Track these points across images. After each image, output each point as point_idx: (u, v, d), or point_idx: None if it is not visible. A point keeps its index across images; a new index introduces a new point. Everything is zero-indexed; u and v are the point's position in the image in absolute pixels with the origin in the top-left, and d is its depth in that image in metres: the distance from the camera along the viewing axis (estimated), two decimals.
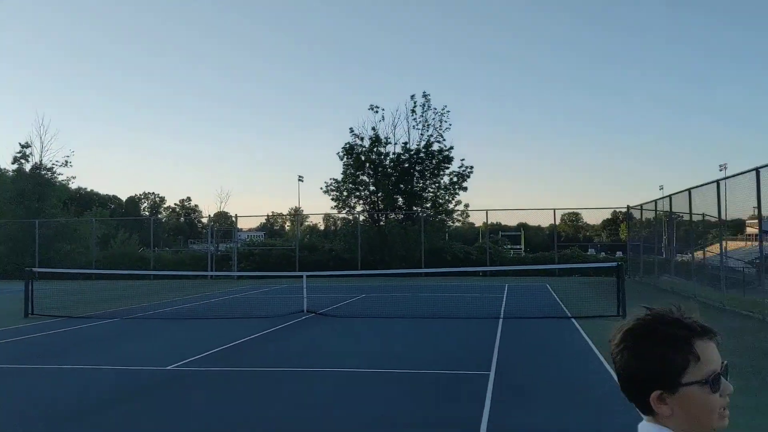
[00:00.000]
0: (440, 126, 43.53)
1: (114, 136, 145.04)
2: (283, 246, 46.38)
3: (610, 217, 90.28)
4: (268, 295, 25.90)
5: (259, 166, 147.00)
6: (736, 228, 27.45)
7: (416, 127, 43.72)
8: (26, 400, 8.56)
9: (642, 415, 1.52)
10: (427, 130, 43.57)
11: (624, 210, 38.05)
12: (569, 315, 16.89)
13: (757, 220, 24.33)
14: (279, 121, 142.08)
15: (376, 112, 43.61)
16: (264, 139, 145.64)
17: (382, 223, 43.25)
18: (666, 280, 26.38)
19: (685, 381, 1.43)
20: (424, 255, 38.04)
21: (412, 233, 40.19)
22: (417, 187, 43.55)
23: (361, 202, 44.18)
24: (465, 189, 43.82)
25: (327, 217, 55.95)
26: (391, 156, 43.58)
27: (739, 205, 18.71)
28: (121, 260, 41.24)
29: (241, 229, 51.94)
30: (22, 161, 46.22)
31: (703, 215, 23.25)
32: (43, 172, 45.96)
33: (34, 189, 44.41)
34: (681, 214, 25.72)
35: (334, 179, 44.21)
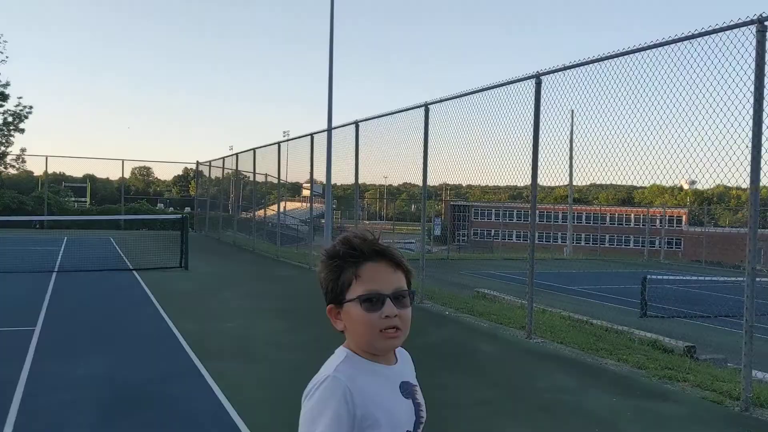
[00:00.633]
0: None
1: None
2: None
3: (181, 173, 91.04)
4: None
5: None
6: (295, 190, 30.17)
7: None
8: None
9: None
10: None
11: (194, 166, 38.56)
12: (131, 267, 16.37)
13: (311, 184, 27.06)
14: None
15: None
16: None
17: None
18: (230, 235, 27.62)
19: (347, 298, 1.54)
20: None
21: None
22: None
23: None
24: (22, 131, 38.81)
25: None
26: None
27: (298, 169, 20.56)
28: None
29: None
30: None
31: (266, 176, 24.91)
32: None
33: None
34: (247, 174, 27.12)
35: None
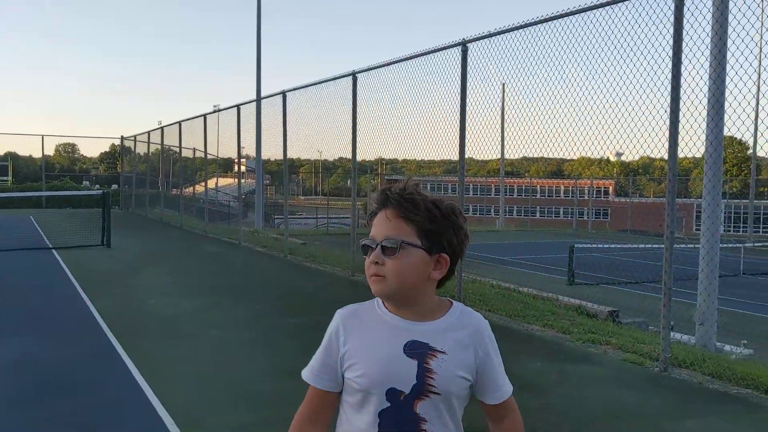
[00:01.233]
0: None
1: None
2: None
3: (108, 150, 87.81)
4: None
5: None
6: (227, 166, 29.48)
7: None
8: None
9: None
10: None
11: (120, 143, 37.20)
12: (50, 246, 15.65)
13: (244, 159, 26.53)
14: None
15: None
16: None
17: None
18: (158, 212, 26.84)
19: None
20: None
21: None
22: None
23: None
24: None
25: None
26: None
27: (231, 144, 20.04)
28: None
29: None
30: None
31: (194, 150, 24.20)
32: None
33: None
34: (175, 151, 26.27)
35: None
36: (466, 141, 8.99)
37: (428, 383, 1.49)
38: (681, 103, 6.18)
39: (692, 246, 13.95)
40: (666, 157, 6.39)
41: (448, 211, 1.52)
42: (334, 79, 12.00)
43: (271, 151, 18.39)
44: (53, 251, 14.73)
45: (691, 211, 36.18)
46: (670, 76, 6.19)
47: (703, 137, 7.41)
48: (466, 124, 8.94)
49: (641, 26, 6.74)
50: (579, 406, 5.20)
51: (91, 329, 7.55)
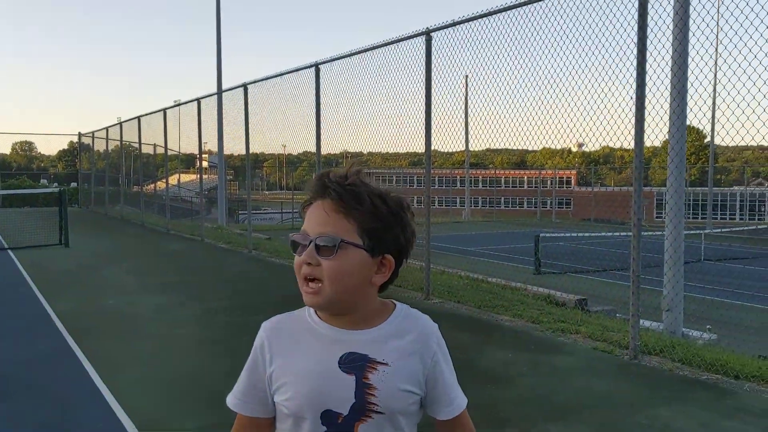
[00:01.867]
0: None
1: None
2: None
3: (67, 147, 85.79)
4: None
5: None
6: (190, 162, 28.99)
7: None
8: None
9: None
10: None
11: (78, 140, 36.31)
12: (5, 246, 15.15)
13: (206, 155, 26.11)
14: None
15: None
16: None
17: None
18: (118, 210, 26.27)
19: None
20: None
21: None
22: None
23: None
24: None
25: None
26: None
27: (192, 140, 19.66)
28: None
29: None
30: None
31: (154, 146, 23.72)
32: None
33: None
34: (135, 147, 25.69)
35: None
36: (432, 133, 8.89)
37: (369, 401, 1.28)
38: (646, 90, 6.15)
39: (657, 234, 14.11)
40: (628, 146, 6.38)
41: (396, 205, 1.32)
42: (297, 70, 11.78)
43: (234, 146, 18.09)
44: (9, 252, 14.26)
45: (653, 199, 36.77)
46: (633, 66, 6.16)
47: (665, 128, 7.46)
48: (432, 116, 8.82)
49: (602, 18, 6.69)
50: (551, 396, 5.14)
51: (47, 330, 7.26)
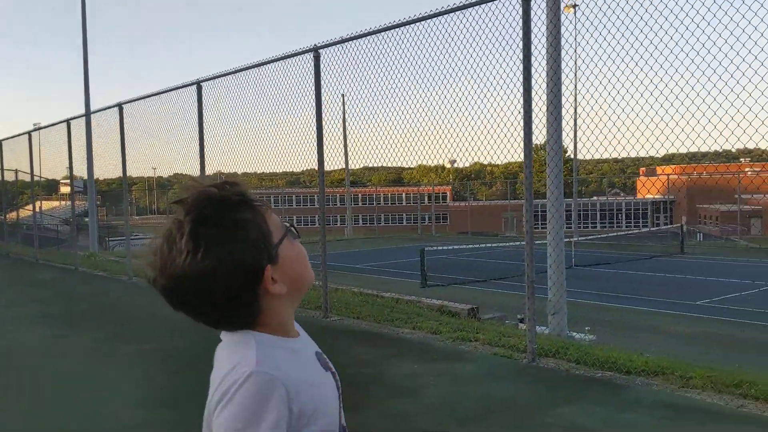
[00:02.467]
0: None
1: None
2: None
3: None
4: None
5: None
6: (51, 188, 27.30)
7: None
8: None
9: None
10: None
11: None
12: None
13: (70, 180, 24.59)
14: None
15: None
16: None
17: None
18: None
19: (276, 240, 1.27)
20: None
21: None
22: None
23: None
24: None
25: None
26: None
27: (54, 166, 18.51)
28: None
29: None
30: None
31: (16, 171, 22.14)
32: None
33: None
34: None
35: None
36: (312, 151, 8.94)
37: (338, 385, 1.32)
38: (530, 107, 6.48)
39: (537, 243, 14.83)
40: (496, 162, 6.81)
41: None
42: (178, 88, 11.40)
43: (101, 170, 17.25)
44: None
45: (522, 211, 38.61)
46: (517, 83, 6.55)
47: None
48: (322, 133, 8.82)
49: (491, 29, 7.01)
50: (456, 404, 5.25)
51: None
